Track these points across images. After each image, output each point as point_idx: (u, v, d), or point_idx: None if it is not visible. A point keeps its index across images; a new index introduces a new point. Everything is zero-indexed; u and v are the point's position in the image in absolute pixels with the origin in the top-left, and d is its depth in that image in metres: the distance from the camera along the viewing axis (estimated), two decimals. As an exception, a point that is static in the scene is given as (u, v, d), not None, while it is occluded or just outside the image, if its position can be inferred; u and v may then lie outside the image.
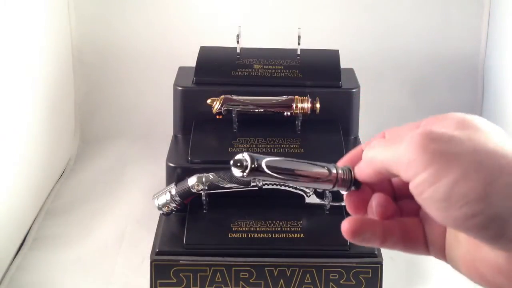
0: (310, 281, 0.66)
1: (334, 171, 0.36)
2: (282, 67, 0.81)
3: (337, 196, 0.71)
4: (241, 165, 0.34)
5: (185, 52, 0.88)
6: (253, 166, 0.34)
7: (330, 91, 0.79)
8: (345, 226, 0.35)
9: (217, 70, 0.81)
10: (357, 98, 0.80)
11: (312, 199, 0.70)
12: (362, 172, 0.35)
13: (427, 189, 0.30)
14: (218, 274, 0.66)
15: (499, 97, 0.99)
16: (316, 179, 0.36)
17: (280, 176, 0.35)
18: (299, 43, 0.82)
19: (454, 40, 1.04)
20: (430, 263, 0.74)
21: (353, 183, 0.36)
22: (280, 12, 1.02)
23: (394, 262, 0.73)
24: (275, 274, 0.66)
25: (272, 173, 0.35)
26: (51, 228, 0.80)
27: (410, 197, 0.33)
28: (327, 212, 0.71)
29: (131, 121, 1.04)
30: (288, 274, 0.66)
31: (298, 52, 0.83)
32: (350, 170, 0.36)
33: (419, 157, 0.30)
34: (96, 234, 0.78)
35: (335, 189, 0.36)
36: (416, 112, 1.03)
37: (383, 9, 1.02)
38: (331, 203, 0.70)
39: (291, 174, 0.36)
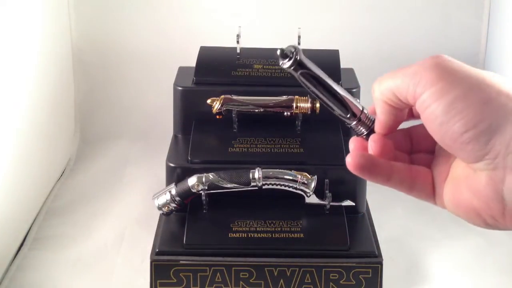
0: (310, 281, 0.67)
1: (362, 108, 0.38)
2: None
3: (337, 196, 0.71)
4: (286, 55, 0.37)
5: (185, 52, 0.88)
6: (297, 57, 0.37)
7: (330, 91, 0.79)
8: (349, 159, 0.37)
9: (217, 70, 0.81)
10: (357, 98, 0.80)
11: (312, 199, 0.70)
12: (374, 107, 0.38)
13: (432, 103, 0.33)
14: (218, 274, 0.66)
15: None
16: (345, 102, 0.39)
17: (317, 80, 0.38)
18: (299, 43, 0.82)
19: (454, 40, 1.04)
20: (430, 263, 0.74)
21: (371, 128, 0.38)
22: (280, 12, 1.02)
23: (394, 262, 0.73)
24: (275, 274, 0.66)
25: (313, 72, 0.38)
26: (51, 228, 0.80)
27: (424, 151, 0.38)
28: (327, 212, 0.71)
29: (131, 121, 1.04)
30: (288, 274, 0.66)
31: (298, 52, 0.83)
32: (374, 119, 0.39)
33: (429, 74, 0.33)
34: (96, 234, 0.78)
35: (354, 124, 0.38)
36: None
37: (383, 9, 1.02)
38: (331, 203, 0.70)
39: (327, 84, 0.39)
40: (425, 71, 0.33)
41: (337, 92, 0.38)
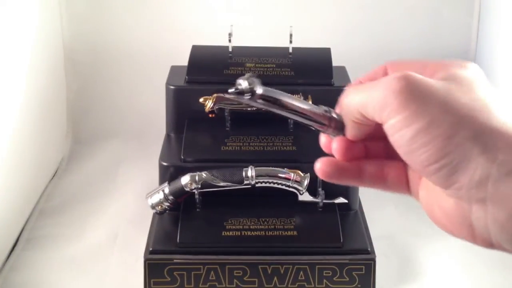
0: (303, 278, 0.67)
1: (329, 113, 0.37)
2: (274, 66, 0.81)
3: (330, 194, 0.71)
4: (240, 90, 0.36)
5: (177, 51, 0.88)
6: (250, 90, 0.36)
7: (322, 89, 0.79)
8: (317, 165, 0.37)
9: (209, 68, 0.81)
10: (349, 96, 0.81)
11: (305, 197, 0.70)
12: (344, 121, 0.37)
13: (396, 132, 0.32)
14: (212, 272, 0.66)
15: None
16: (313, 114, 0.37)
17: (277, 104, 0.37)
18: (291, 42, 0.82)
19: (445, 38, 1.04)
20: (423, 259, 0.74)
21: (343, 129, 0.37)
22: (272, 11, 1.02)
23: (387, 259, 0.73)
24: (269, 272, 0.67)
25: (270, 100, 0.37)
26: (44, 228, 0.80)
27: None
28: (320, 209, 0.71)
29: (124, 120, 1.04)
30: (282, 272, 0.67)
31: (290, 51, 0.83)
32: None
33: (394, 101, 0.32)
34: (90, 233, 0.78)
35: (327, 131, 0.37)
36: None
37: (374, 7, 1.02)
38: (324, 201, 0.71)
39: (289, 104, 0.37)
40: (391, 96, 0.32)
41: (302, 111, 0.37)
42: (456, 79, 0.33)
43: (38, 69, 0.88)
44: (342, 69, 0.86)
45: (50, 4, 0.95)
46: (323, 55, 0.83)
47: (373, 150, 0.39)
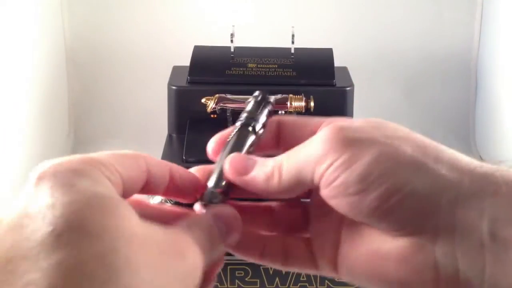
0: (305, 279, 0.67)
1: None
2: (276, 66, 0.81)
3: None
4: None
5: (179, 51, 0.88)
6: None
7: (324, 90, 0.79)
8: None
9: (211, 69, 0.81)
10: (351, 97, 0.81)
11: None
12: (275, 185, 0.32)
13: (342, 173, 0.29)
14: (213, 273, 0.66)
15: (492, 94, 0.99)
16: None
17: None
18: (293, 42, 0.82)
19: (447, 38, 1.04)
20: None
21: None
22: (274, 11, 1.02)
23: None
24: (271, 272, 0.67)
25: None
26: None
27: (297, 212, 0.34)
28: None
29: (126, 121, 1.04)
30: (284, 273, 0.67)
31: (292, 51, 0.83)
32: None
33: (333, 146, 0.29)
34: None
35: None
36: (409, 110, 1.03)
37: (376, 8, 1.02)
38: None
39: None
40: (328, 143, 0.30)
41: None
42: (377, 123, 0.31)
43: (40, 70, 0.88)
44: (344, 70, 0.86)
45: (51, 5, 0.95)
46: (325, 55, 0.83)
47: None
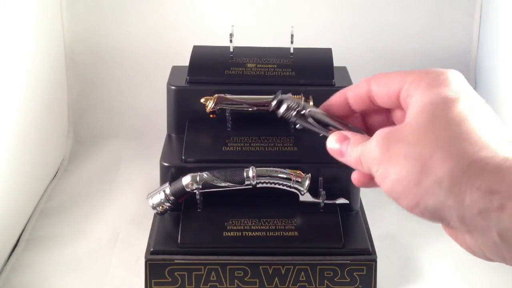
0: (304, 279, 0.67)
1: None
2: (275, 66, 0.81)
3: (331, 194, 0.71)
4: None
5: (178, 51, 0.88)
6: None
7: (324, 90, 0.79)
8: (354, 177, 0.44)
9: (210, 69, 0.81)
10: (350, 97, 0.80)
11: (306, 197, 0.70)
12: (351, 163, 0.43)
13: (380, 183, 0.39)
14: (213, 273, 0.66)
15: (491, 95, 0.99)
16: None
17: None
18: (292, 42, 0.82)
19: (446, 38, 1.04)
20: (424, 260, 0.74)
21: None
22: (273, 11, 1.02)
23: (388, 259, 0.73)
24: (270, 272, 0.67)
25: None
26: (45, 228, 0.80)
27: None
28: (321, 210, 0.71)
29: (125, 120, 1.04)
30: (283, 273, 0.67)
31: (291, 51, 0.83)
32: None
33: (376, 156, 0.38)
34: (91, 234, 0.78)
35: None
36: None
37: (375, 7, 1.02)
38: (325, 201, 0.71)
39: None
40: (375, 151, 0.38)
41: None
42: (428, 112, 0.37)
43: (39, 70, 0.88)
44: (344, 70, 0.86)
45: (50, 5, 0.95)
46: (325, 55, 0.83)
47: None
